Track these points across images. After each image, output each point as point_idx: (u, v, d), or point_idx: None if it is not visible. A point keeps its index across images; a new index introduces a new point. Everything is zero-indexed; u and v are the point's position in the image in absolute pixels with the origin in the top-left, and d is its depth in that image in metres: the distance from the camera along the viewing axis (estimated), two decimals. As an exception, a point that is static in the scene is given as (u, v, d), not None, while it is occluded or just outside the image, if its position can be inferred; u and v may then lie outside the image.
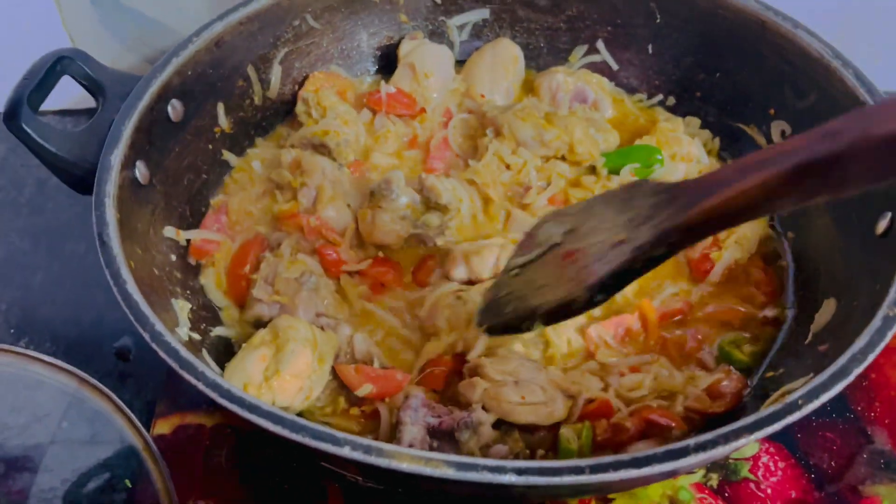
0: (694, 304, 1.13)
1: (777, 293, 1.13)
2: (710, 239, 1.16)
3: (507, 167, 1.25)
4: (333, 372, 1.05)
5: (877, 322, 0.83)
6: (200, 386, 0.78)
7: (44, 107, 1.10)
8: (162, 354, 0.82)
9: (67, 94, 1.20)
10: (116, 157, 1.02)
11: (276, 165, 1.25)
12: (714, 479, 1.08)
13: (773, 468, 1.10)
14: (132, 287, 0.88)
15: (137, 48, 1.63)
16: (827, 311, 1.00)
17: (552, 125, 1.24)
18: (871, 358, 0.79)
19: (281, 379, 0.98)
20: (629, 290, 1.12)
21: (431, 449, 0.95)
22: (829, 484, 1.09)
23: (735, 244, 1.15)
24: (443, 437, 0.97)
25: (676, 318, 1.12)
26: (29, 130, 1.05)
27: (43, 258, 1.38)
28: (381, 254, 1.18)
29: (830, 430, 1.14)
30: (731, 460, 1.11)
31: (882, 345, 0.81)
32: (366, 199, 1.18)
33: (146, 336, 0.84)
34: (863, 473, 1.10)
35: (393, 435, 0.98)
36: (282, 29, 1.32)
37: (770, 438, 1.12)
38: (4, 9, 1.51)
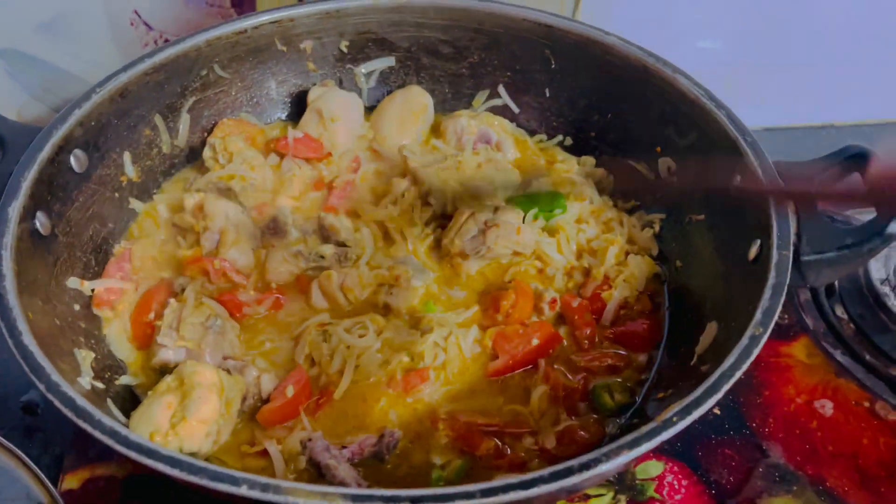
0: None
1: (655, 338, 1.19)
2: (601, 278, 1.23)
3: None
4: (241, 414, 1.06)
5: (745, 341, 0.89)
6: (97, 434, 0.78)
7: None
8: (58, 404, 0.82)
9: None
10: (14, 209, 1.02)
11: (181, 210, 1.26)
12: (622, 501, 1.13)
13: (677, 486, 1.15)
14: (28, 339, 0.88)
15: (44, 98, 1.62)
16: (709, 333, 1.07)
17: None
18: (738, 374, 0.86)
19: (188, 425, 0.99)
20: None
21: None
22: (728, 499, 1.14)
23: (624, 282, 1.22)
24: (362, 464, 1.02)
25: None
26: (-77, 185, 1.04)
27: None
28: (274, 286, 1.21)
29: (729, 446, 1.20)
30: (637, 481, 1.15)
31: (748, 361, 0.87)
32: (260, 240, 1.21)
33: (41, 387, 0.83)
34: (759, 487, 1.16)
35: (311, 475, 1.00)
36: (189, 78, 1.34)
37: (673, 458, 1.17)
38: None
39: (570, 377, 1.12)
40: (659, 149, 1.32)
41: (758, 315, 0.91)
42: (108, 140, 1.24)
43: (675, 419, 0.80)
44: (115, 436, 0.79)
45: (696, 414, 0.81)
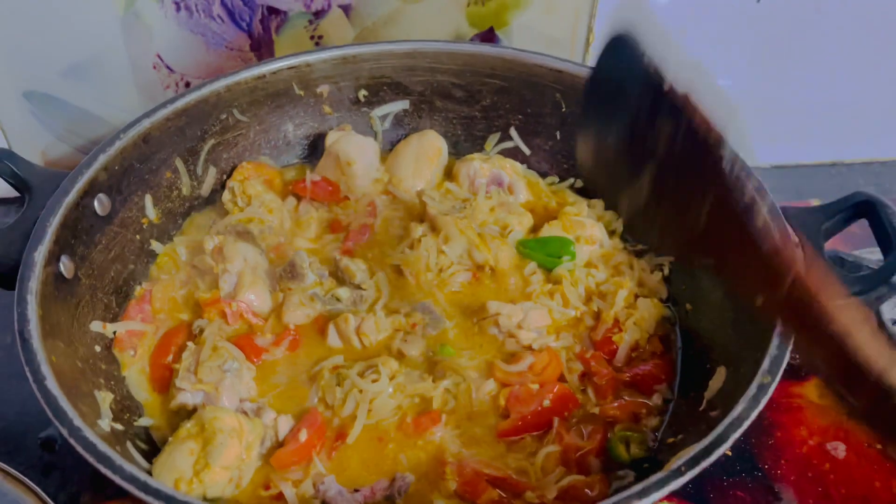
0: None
1: (669, 379, 1.19)
2: (611, 322, 1.23)
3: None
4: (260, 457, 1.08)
5: (752, 390, 0.90)
6: (117, 479, 0.81)
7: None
8: (80, 449, 0.84)
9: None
10: (40, 253, 1.05)
11: (200, 252, 1.29)
12: (633, 540, 1.13)
13: (689, 529, 1.16)
14: (52, 383, 0.91)
15: (68, 138, 1.67)
16: (718, 378, 1.08)
17: (485, 246, 1.30)
18: (746, 424, 0.87)
19: (212, 472, 1.00)
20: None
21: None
22: (740, 541, 1.15)
23: (634, 325, 1.22)
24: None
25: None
26: (-48, 231, 1.08)
27: (-34, 350, 1.38)
28: (292, 328, 1.23)
29: (741, 488, 1.20)
30: (650, 524, 1.16)
31: (756, 410, 0.88)
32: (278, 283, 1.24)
33: (64, 432, 0.86)
34: (772, 529, 1.16)
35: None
36: (209, 123, 1.38)
37: (684, 499, 1.18)
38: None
39: (584, 439, 1.11)
40: (667, 190, 1.33)
41: (765, 364, 0.93)
42: (131, 184, 1.27)
43: (683, 468, 0.81)
44: (134, 482, 0.81)
45: (705, 464, 0.82)
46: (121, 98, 1.62)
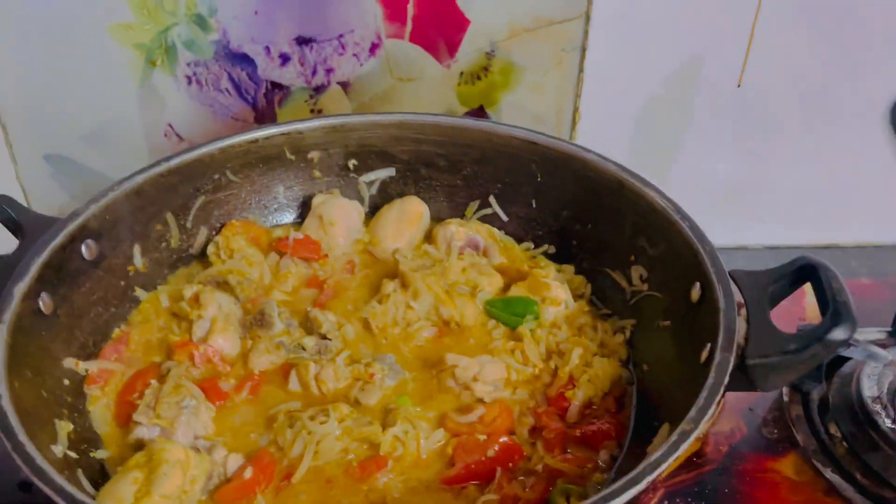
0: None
1: (620, 436, 1.19)
2: (566, 377, 1.25)
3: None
4: (206, 492, 1.10)
5: (674, 436, 0.90)
6: (47, 490, 0.84)
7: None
8: (18, 461, 0.88)
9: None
10: (20, 288, 1.12)
11: (181, 300, 1.35)
12: None
13: None
14: (6, 402, 0.96)
15: (84, 199, 1.77)
16: (662, 434, 1.07)
17: (450, 302, 1.35)
18: (663, 467, 0.86)
19: (151, 500, 1.03)
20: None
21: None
22: None
23: (588, 383, 1.23)
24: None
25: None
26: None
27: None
28: (256, 373, 1.27)
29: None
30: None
31: (674, 456, 0.88)
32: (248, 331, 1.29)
33: (8, 445, 0.90)
34: None
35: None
36: (202, 181, 1.46)
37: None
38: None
39: (525, 490, 1.11)
40: (633, 257, 1.37)
41: (692, 412, 0.93)
42: (121, 233, 1.35)
43: (588, 508, 0.81)
44: (62, 493, 0.84)
45: (614, 504, 0.82)
46: (134, 163, 1.71)
